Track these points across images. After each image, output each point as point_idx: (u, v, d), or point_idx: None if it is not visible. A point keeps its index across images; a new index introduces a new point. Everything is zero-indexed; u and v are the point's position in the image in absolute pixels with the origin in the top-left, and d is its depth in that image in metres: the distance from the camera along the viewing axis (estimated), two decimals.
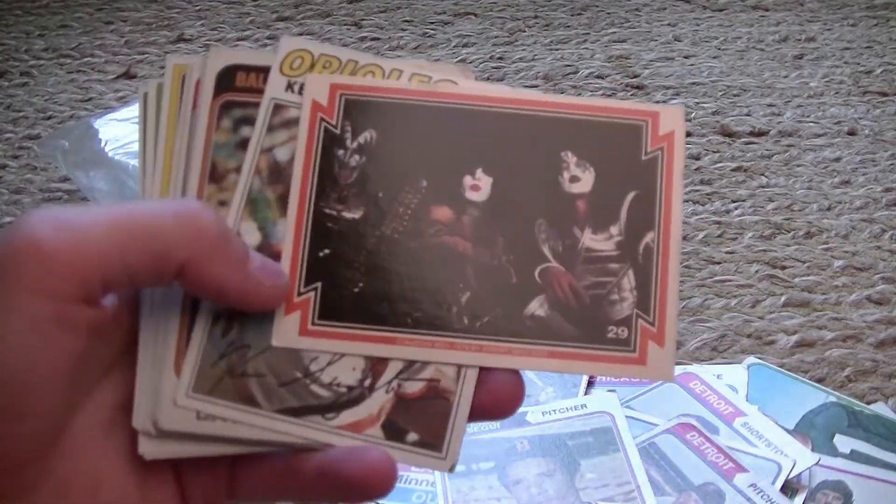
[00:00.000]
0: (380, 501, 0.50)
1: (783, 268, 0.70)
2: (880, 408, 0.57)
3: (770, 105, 0.91)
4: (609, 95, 0.92)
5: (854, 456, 0.52)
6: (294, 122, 0.34)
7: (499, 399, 0.32)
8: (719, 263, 0.70)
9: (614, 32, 1.05)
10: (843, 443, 0.53)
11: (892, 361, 0.61)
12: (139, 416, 0.31)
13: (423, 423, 0.32)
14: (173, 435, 0.31)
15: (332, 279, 0.33)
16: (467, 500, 0.49)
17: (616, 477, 0.49)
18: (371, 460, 0.30)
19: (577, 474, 0.50)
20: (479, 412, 0.32)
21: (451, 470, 0.32)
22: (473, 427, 0.53)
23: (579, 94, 0.92)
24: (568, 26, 1.07)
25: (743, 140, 0.86)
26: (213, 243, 0.29)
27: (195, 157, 0.33)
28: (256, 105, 0.34)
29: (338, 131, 0.34)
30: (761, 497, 0.48)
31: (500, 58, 1.00)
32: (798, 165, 0.82)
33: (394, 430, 0.32)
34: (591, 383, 0.57)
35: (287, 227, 0.33)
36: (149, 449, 0.31)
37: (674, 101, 0.91)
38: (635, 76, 0.96)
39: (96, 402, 0.31)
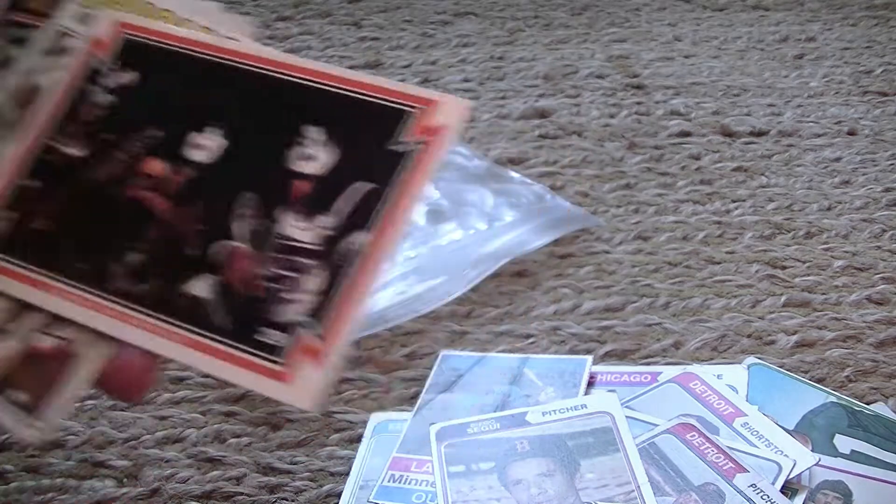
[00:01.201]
0: (378, 502, 0.50)
1: (783, 268, 0.70)
2: (880, 408, 0.57)
3: (770, 105, 0.91)
4: (609, 95, 0.92)
5: (854, 456, 0.52)
6: (71, 52, 0.33)
7: (120, 380, 0.28)
8: (719, 263, 0.70)
9: (614, 32, 1.05)
10: (843, 443, 0.53)
11: (892, 361, 0.61)
12: None
13: (32, 382, 0.28)
14: None
15: (27, 211, 0.31)
16: (467, 500, 0.49)
17: (616, 477, 0.49)
18: None
19: (577, 474, 0.50)
20: (102, 386, 0.29)
21: (46, 440, 0.29)
22: (473, 427, 0.53)
23: (578, 95, 0.92)
24: (568, 26, 1.07)
25: (743, 140, 0.86)
26: None
27: None
28: (37, 28, 0.33)
29: (103, 69, 0.32)
30: (761, 497, 0.48)
31: (500, 58, 1.00)
32: (798, 165, 0.82)
33: None
34: (591, 383, 0.57)
35: (15, 151, 0.32)
36: None
37: (674, 101, 0.91)
38: (635, 76, 0.96)
39: None
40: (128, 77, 0.33)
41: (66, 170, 0.32)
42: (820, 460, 0.51)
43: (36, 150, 0.32)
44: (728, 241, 0.73)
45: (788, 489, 0.50)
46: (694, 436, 0.52)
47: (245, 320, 0.28)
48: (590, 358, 0.59)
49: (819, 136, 0.86)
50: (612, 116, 0.89)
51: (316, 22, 1.08)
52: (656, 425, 0.53)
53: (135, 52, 0.33)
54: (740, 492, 0.49)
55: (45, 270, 0.30)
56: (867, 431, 0.54)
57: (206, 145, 0.31)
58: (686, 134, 0.86)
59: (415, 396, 0.57)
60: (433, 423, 0.53)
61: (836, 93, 0.94)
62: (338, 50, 1.01)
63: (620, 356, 0.62)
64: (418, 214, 0.69)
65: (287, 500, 0.53)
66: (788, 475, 0.50)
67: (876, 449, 0.53)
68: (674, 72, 0.97)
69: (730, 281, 0.68)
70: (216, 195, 0.30)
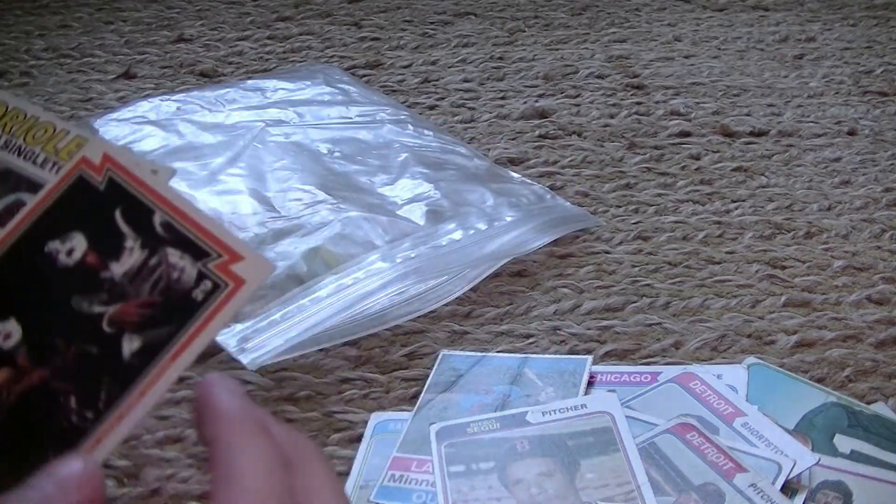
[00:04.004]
0: (378, 502, 0.50)
1: (783, 268, 0.70)
2: (880, 408, 0.57)
3: (770, 105, 0.91)
4: (609, 95, 0.92)
5: (854, 456, 0.52)
6: None
7: None
8: (719, 263, 0.70)
9: (614, 32, 1.05)
10: (843, 443, 0.53)
11: (892, 361, 0.61)
12: None
13: None
14: None
15: None
16: (467, 500, 0.49)
17: (616, 477, 0.49)
18: None
19: (577, 474, 0.50)
20: None
21: None
22: (473, 427, 0.53)
23: (578, 95, 0.92)
24: (568, 26, 1.07)
25: (743, 140, 0.86)
26: None
27: None
28: None
29: None
30: (761, 497, 0.48)
31: (500, 58, 1.00)
32: (798, 165, 0.82)
33: None
34: (591, 383, 0.57)
35: None
36: None
37: (674, 101, 0.91)
38: (635, 76, 0.96)
39: None
40: None
41: None
42: (820, 460, 0.51)
43: None
44: (728, 241, 0.73)
45: (788, 489, 0.50)
46: (694, 436, 0.52)
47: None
48: (590, 358, 0.59)
49: (819, 136, 0.86)
50: (612, 116, 0.89)
51: (316, 22, 1.08)
52: (656, 425, 0.53)
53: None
54: (740, 492, 0.49)
55: None
56: (867, 431, 0.54)
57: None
58: (686, 134, 0.86)
59: (415, 396, 0.57)
60: (433, 423, 0.53)
61: (836, 93, 0.94)
62: (338, 50, 1.01)
63: (620, 356, 0.62)
64: (419, 215, 0.69)
65: None
66: (788, 475, 0.50)
67: (876, 449, 0.53)
68: (674, 72, 0.97)
69: (730, 281, 0.68)
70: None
